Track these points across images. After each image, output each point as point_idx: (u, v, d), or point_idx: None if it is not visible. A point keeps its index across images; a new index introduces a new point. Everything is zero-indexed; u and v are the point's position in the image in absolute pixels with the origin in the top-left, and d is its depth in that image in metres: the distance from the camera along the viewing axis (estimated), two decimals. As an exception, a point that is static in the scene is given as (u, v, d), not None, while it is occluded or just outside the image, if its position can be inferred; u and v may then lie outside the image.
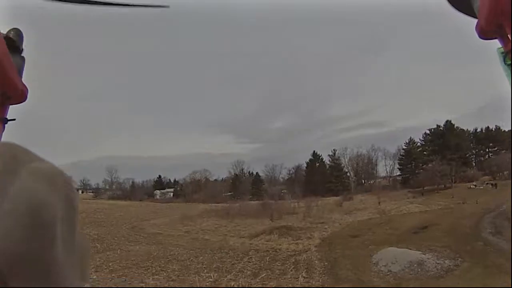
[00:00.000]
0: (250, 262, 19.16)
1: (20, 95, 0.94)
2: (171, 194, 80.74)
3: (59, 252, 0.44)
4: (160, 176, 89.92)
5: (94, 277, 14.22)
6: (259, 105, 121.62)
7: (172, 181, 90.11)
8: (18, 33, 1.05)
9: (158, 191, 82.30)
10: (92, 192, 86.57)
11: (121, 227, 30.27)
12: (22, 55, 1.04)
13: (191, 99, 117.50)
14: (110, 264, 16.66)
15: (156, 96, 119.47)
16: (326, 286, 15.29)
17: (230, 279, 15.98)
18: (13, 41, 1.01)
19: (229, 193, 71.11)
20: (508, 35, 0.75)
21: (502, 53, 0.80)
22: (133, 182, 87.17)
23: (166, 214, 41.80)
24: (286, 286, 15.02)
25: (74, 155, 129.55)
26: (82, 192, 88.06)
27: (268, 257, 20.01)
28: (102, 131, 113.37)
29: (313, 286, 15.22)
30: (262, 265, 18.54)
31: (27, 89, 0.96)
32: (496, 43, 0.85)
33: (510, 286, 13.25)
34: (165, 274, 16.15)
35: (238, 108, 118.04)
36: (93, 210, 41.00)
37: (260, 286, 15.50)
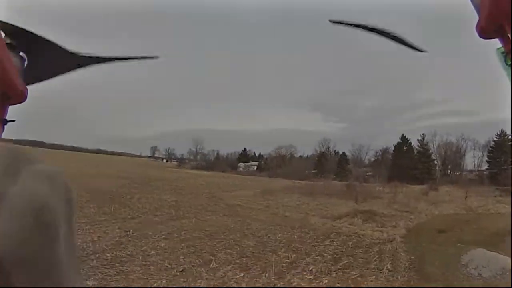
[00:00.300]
0: (331, 245, 17.25)
1: (20, 95, 0.88)
2: (255, 167, 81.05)
3: (61, 252, 0.45)
4: (245, 149, 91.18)
5: (163, 244, 13.85)
6: (349, 84, 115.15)
7: (256, 155, 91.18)
8: None
9: (242, 163, 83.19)
10: (176, 162, 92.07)
11: (200, 196, 30.41)
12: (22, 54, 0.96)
13: (282, 77, 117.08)
14: (183, 232, 16.09)
15: (249, 74, 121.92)
16: (412, 284, 13.10)
17: (309, 262, 14.15)
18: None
19: (314, 171, 68.54)
20: (508, 35, 0.73)
21: (503, 53, 0.78)
22: (217, 154, 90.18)
23: (247, 187, 41.20)
24: (369, 283, 12.94)
25: (164, 126, 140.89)
26: (167, 161, 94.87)
27: (350, 243, 17.89)
28: (191, 104, 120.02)
29: (397, 282, 13.12)
30: (344, 250, 16.52)
31: (27, 89, 0.90)
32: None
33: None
34: (238, 249, 15.01)
35: (328, 87, 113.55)
36: (175, 178, 42.52)
37: (341, 274, 13.53)
